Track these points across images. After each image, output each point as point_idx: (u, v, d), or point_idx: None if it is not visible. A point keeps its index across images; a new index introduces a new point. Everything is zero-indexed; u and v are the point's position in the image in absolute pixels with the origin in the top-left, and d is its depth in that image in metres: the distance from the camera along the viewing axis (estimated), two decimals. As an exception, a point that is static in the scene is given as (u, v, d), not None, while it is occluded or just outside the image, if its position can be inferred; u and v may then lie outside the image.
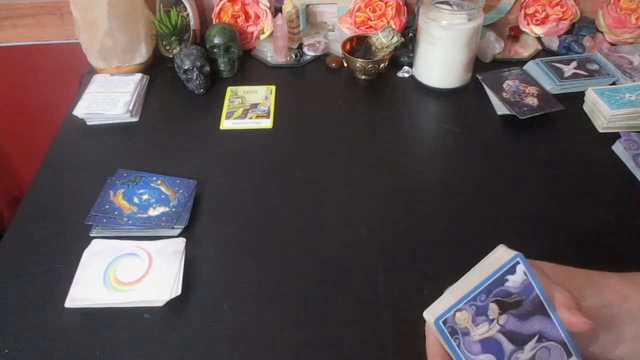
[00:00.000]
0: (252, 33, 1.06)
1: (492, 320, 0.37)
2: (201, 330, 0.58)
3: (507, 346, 0.37)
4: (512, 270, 0.37)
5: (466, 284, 0.37)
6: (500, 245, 0.38)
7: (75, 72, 1.04)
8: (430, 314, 0.36)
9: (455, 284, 0.37)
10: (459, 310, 0.36)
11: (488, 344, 0.37)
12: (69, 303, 0.60)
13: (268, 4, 1.06)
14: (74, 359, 0.56)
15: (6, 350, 0.57)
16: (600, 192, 0.74)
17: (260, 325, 0.59)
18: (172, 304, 0.60)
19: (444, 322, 0.36)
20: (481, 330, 0.37)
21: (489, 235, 0.68)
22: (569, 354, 0.38)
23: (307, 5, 1.10)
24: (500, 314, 0.37)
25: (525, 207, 0.72)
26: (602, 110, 0.83)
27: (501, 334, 0.37)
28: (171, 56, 1.03)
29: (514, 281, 0.37)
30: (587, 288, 0.40)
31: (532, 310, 0.37)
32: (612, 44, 1.05)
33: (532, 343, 0.37)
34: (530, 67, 0.97)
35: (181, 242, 0.67)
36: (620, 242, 0.67)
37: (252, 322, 0.59)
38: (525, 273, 0.37)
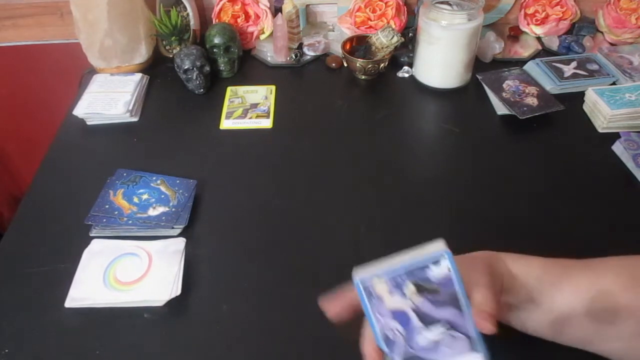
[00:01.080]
0: (252, 33, 1.06)
1: (406, 297, 0.40)
2: (201, 330, 0.58)
3: (416, 322, 0.41)
4: (436, 263, 0.40)
5: (395, 260, 0.40)
6: (440, 239, 0.40)
7: (75, 72, 1.04)
8: (356, 274, 0.40)
9: (390, 257, 0.41)
10: (379, 279, 0.40)
11: (398, 314, 0.41)
12: (69, 303, 0.60)
13: (268, 4, 1.06)
14: (74, 359, 0.56)
15: (6, 350, 0.57)
16: (600, 192, 0.74)
17: (260, 325, 0.59)
18: (171, 303, 0.60)
19: (363, 285, 0.40)
20: (394, 301, 0.40)
21: (489, 234, 0.68)
22: (474, 350, 0.40)
23: (307, 5, 1.10)
24: (415, 294, 0.40)
25: (525, 206, 0.72)
26: (602, 110, 0.83)
27: (412, 310, 0.40)
28: (171, 56, 1.03)
29: (435, 272, 0.40)
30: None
31: (447, 301, 0.40)
32: (612, 44, 1.05)
33: (440, 327, 0.40)
34: (530, 67, 0.97)
35: (181, 242, 0.67)
36: (620, 242, 0.67)
37: (252, 322, 0.59)
38: (448, 269, 0.39)
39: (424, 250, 0.40)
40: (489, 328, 0.39)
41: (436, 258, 0.40)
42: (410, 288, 0.40)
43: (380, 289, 0.41)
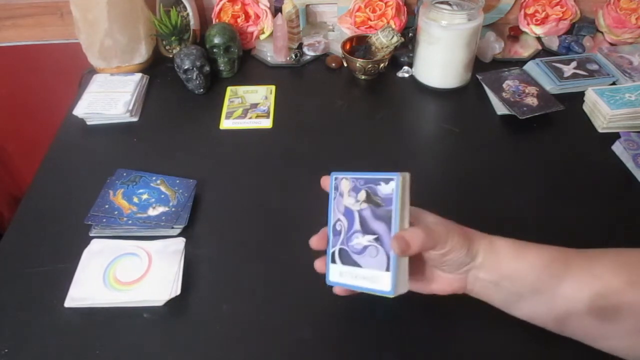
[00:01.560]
0: (252, 33, 1.06)
1: (357, 201, 0.49)
2: (201, 330, 0.58)
3: (356, 224, 0.49)
4: (387, 181, 0.47)
5: (363, 172, 0.49)
6: (407, 173, 0.48)
7: (75, 72, 1.04)
8: (334, 172, 0.52)
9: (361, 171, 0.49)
10: (346, 179, 0.50)
11: (348, 212, 0.50)
12: (68, 303, 0.60)
13: (268, 4, 1.06)
14: (73, 359, 0.56)
15: (6, 350, 0.57)
16: (600, 192, 0.74)
17: (260, 325, 0.59)
18: (171, 303, 0.60)
19: (335, 179, 0.51)
20: (349, 201, 0.49)
21: (488, 232, 0.67)
22: (387, 269, 0.46)
23: (307, 5, 1.10)
24: (364, 201, 0.48)
25: (525, 206, 0.72)
26: (602, 110, 0.83)
27: (357, 213, 0.49)
28: (171, 56, 1.03)
29: (383, 188, 0.47)
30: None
31: (383, 216, 0.47)
32: (612, 44, 1.05)
33: (370, 237, 0.48)
34: (530, 67, 0.97)
35: (181, 241, 0.67)
36: (620, 242, 0.67)
37: (251, 322, 0.59)
38: (392, 190, 0.46)
39: (388, 172, 0.47)
40: (395, 247, 0.45)
41: (389, 178, 0.47)
42: (362, 194, 0.48)
43: (343, 187, 0.50)
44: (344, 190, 0.50)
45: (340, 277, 0.49)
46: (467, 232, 0.50)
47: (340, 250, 0.49)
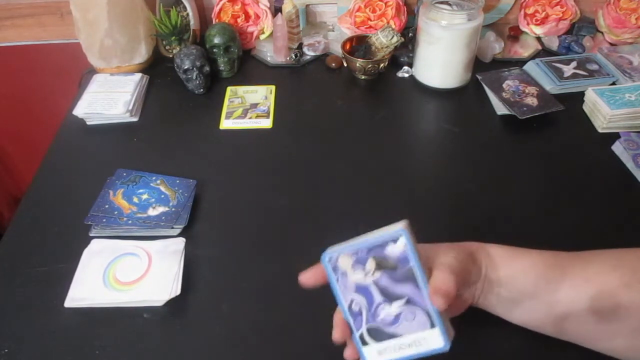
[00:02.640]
0: (252, 33, 1.06)
1: (367, 272, 0.43)
2: (201, 330, 0.58)
3: (377, 296, 0.43)
4: (394, 241, 0.42)
5: (360, 239, 0.43)
6: (404, 220, 0.43)
7: (75, 72, 1.04)
8: (325, 253, 0.44)
9: (356, 237, 0.44)
10: (343, 255, 0.44)
11: (361, 289, 0.44)
12: (68, 303, 0.60)
13: (268, 4, 1.06)
14: (73, 359, 0.56)
15: (6, 350, 0.57)
16: (599, 192, 0.74)
17: (260, 325, 0.59)
18: (171, 303, 0.60)
19: (329, 260, 0.44)
20: (357, 276, 0.43)
21: (489, 234, 0.67)
22: (432, 325, 0.42)
23: (307, 5, 1.10)
24: (375, 270, 0.43)
25: (525, 206, 0.72)
26: (602, 110, 0.83)
27: (374, 285, 0.43)
28: (171, 56, 1.03)
29: (392, 249, 0.42)
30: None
31: (404, 277, 0.42)
32: (612, 44, 1.05)
33: (400, 302, 0.43)
34: (530, 67, 0.97)
35: (181, 242, 0.67)
36: (619, 242, 0.67)
37: (251, 322, 0.59)
38: (405, 246, 0.42)
39: (385, 230, 0.43)
40: (440, 303, 0.41)
41: (394, 237, 0.42)
42: (370, 264, 0.43)
43: (344, 264, 0.44)
44: (345, 268, 0.44)
45: (380, 356, 0.44)
46: (468, 249, 0.49)
47: (369, 329, 0.44)
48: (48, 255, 0.67)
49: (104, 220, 0.69)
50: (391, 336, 0.43)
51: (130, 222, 0.69)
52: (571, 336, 0.49)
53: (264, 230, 0.70)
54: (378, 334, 0.43)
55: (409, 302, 0.43)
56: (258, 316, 0.60)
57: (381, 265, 0.43)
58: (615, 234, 0.68)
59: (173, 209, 0.71)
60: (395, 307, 0.43)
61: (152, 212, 0.70)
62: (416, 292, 0.42)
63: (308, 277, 0.47)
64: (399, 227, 0.42)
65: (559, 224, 0.69)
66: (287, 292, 0.62)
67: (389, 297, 0.43)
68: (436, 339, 0.42)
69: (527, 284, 0.47)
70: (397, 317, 0.43)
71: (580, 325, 0.47)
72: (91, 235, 0.68)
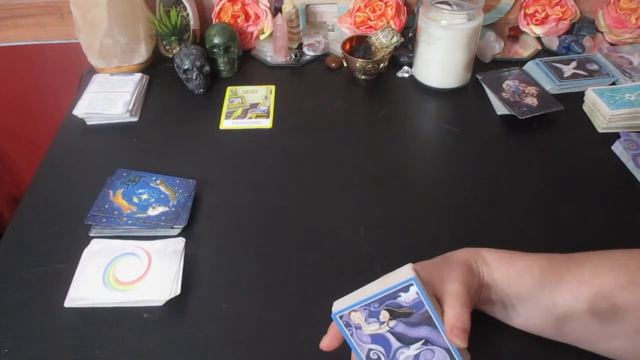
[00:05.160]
0: (252, 33, 1.06)
1: (382, 323, 0.43)
2: (201, 330, 0.58)
3: (394, 343, 0.43)
4: (406, 289, 0.42)
5: (367, 290, 0.43)
6: (409, 264, 0.43)
7: (75, 72, 1.04)
8: (334, 308, 0.44)
9: (363, 287, 0.43)
10: (354, 311, 0.43)
11: (377, 338, 0.44)
12: (68, 303, 0.60)
13: (268, 4, 1.06)
14: (73, 359, 0.56)
15: (6, 350, 0.57)
16: (599, 192, 0.74)
17: (260, 325, 0.59)
18: (171, 303, 0.60)
19: (341, 317, 0.43)
20: (372, 328, 0.43)
21: (489, 234, 0.68)
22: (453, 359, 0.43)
23: (307, 5, 1.10)
24: (390, 319, 0.43)
25: (525, 207, 0.72)
26: (602, 110, 0.83)
27: (390, 333, 0.43)
28: (171, 56, 1.03)
29: (405, 297, 0.42)
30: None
31: (420, 321, 0.43)
32: (612, 44, 1.05)
33: (418, 344, 0.43)
34: (530, 67, 0.97)
35: (180, 241, 0.67)
36: (619, 243, 0.67)
37: (251, 322, 0.59)
38: (417, 293, 0.42)
39: (393, 278, 0.42)
40: (460, 341, 0.41)
41: (405, 285, 0.42)
42: (384, 315, 0.43)
43: (357, 319, 0.43)
44: (359, 322, 0.44)
45: None
46: (465, 262, 0.49)
47: None
48: (48, 255, 0.67)
49: (104, 220, 0.69)
50: None
51: (130, 222, 0.69)
52: (569, 339, 0.49)
53: (263, 230, 0.70)
54: None
55: (427, 343, 0.43)
56: (258, 316, 0.60)
57: (395, 313, 0.43)
58: (615, 234, 0.68)
59: (173, 209, 0.71)
60: (414, 350, 0.43)
61: (152, 212, 0.70)
62: (433, 332, 0.43)
63: (329, 343, 0.46)
64: (409, 276, 0.42)
65: (558, 224, 0.69)
66: (287, 292, 0.62)
67: (407, 342, 0.43)
68: None
69: (523, 289, 0.47)
70: (416, 358, 0.43)
71: (578, 328, 0.47)
72: (91, 235, 0.68)
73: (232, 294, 0.62)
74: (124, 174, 0.76)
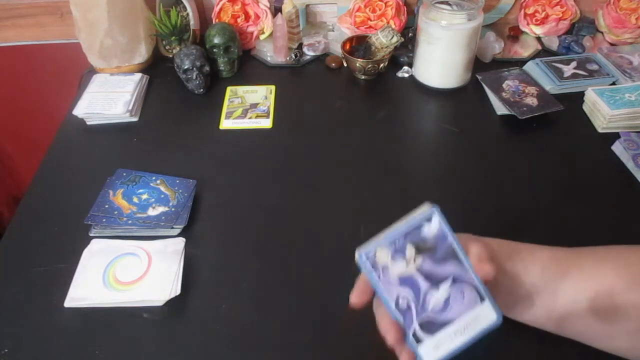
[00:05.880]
0: (252, 33, 1.06)
1: (408, 260, 0.41)
2: (200, 330, 0.58)
3: (423, 284, 0.41)
4: (428, 220, 0.42)
5: (390, 229, 0.42)
6: (426, 203, 0.42)
7: (75, 72, 1.04)
8: (358, 251, 0.42)
9: (385, 230, 0.42)
10: (380, 249, 0.41)
11: (405, 280, 0.41)
12: (68, 303, 0.60)
13: (268, 4, 1.06)
14: (73, 359, 0.56)
15: (6, 350, 0.57)
16: (599, 192, 0.74)
17: (260, 325, 0.59)
18: (171, 303, 0.60)
19: (367, 258, 0.41)
20: (399, 268, 0.41)
21: (489, 234, 0.67)
22: (482, 299, 0.42)
23: (307, 5, 1.10)
24: (416, 255, 0.42)
25: (525, 206, 0.72)
26: (602, 110, 0.83)
27: (417, 272, 0.41)
28: (171, 56, 1.03)
29: (429, 229, 0.42)
30: (509, 258, 0.46)
31: (446, 255, 0.42)
32: (612, 44, 1.05)
33: (446, 284, 0.42)
34: (530, 67, 0.97)
35: (180, 241, 0.67)
36: (619, 242, 0.67)
37: (251, 322, 0.59)
38: (439, 223, 0.42)
39: (414, 215, 0.42)
40: (489, 270, 0.40)
41: (428, 216, 0.42)
42: (410, 251, 0.41)
43: (383, 258, 0.41)
44: (385, 262, 0.42)
45: (437, 351, 0.41)
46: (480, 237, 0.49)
47: (421, 323, 0.42)
48: (48, 255, 0.67)
49: (104, 220, 0.69)
50: (444, 324, 0.41)
51: (130, 222, 0.69)
52: (572, 333, 0.49)
53: (263, 230, 0.70)
54: (431, 326, 0.41)
55: (455, 281, 0.42)
56: (258, 316, 0.60)
57: (420, 248, 0.42)
58: (615, 234, 0.68)
59: (173, 209, 0.71)
60: (443, 290, 0.42)
61: (152, 212, 0.70)
62: (459, 268, 0.42)
63: (359, 298, 0.43)
64: (429, 207, 0.42)
65: (558, 223, 0.69)
66: (287, 292, 0.62)
67: (435, 281, 0.42)
68: (488, 314, 0.41)
69: (529, 279, 0.47)
70: (446, 302, 0.42)
71: (582, 323, 0.47)
72: (91, 235, 0.69)
73: (232, 294, 0.62)
74: (124, 174, 0.76)
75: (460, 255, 0.42)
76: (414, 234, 0.42)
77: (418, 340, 0.41)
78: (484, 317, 0.41)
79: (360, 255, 0.42)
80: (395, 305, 0.41)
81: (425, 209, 0.42)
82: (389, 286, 0.41)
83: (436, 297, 0.42)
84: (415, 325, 0.41)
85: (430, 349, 0.41)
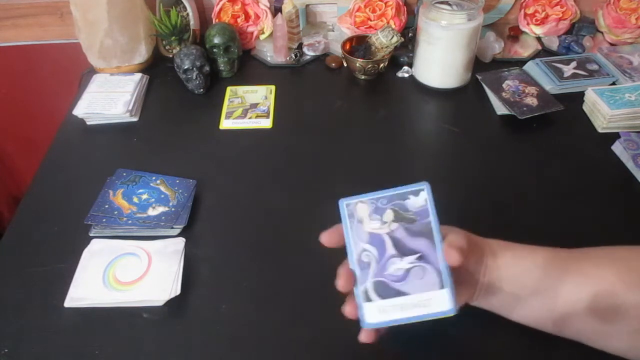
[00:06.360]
0: (252, 33, 1.06)
1: (384, 222, 0.42)
2: (200, 330, 0.58)
3: (390, 249, 0.42)
4: (416, 193, 0.43)
5: (380, 191, 0.43)
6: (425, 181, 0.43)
7: (75, 72, 1.04)
8: (342, 199, 0.44)
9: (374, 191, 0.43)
10: (362, 202, 0.43)
11: (374, 239, 0.43)
12: (68, 303, 0.60)
13: (268, 4, 1.06)
14: (73, 359, 0.56)
15: (6, 350, 0.57)
16: (599, 192, 0.74)
17: (260, 325, 0.59)
18: (171, 303, 0.60)
19: (347, 206, 0.44)
20: (373, 225, 0.43)
21: (488, 234, 0.67)
22: (442, 286, 0.42)
23: (307, 5, 1.10)
24: (393, 220, 0.42)
25: (525, 206, 0.72)
26: (602, 110, 0.83)
27: (388, 236, 0.42)
28: (171, 56, 1.03)
29: (414, 201, 0.42)
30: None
31: (421, 231, 0.42)
32: (612, 44, 1.05)
33: (412, 258, 0.42)
34: (530, 67, 0.97)
35: (180, 241, 0.67)
36: (619, 242, 0.67)
37: (251, 322, 0.59)
38: (425, 200, 0.42)
39: (407, 185, 0.43)
40: (456, 257, 0.41)
41: (417, 189, 0.42)
42: (388, 214, 0.42)
43: (362, 212, 0.43)
44: (362, 216, 0.43)
45: (380, 314, 0.42)
46: (473, 235, 0.49)
47: (375, 283, 0.42)
48: (48, 255, 0.67)
49: (104, 220, 0.69)
50: (397, 294, 0.42)
51: (130, 222, 0.69)
52: (572, 334, 0.49)
53: (263, 230, 0.70)
54: (383, 290, 0.42)
55: (421, 258, 0.42)
56: (258, 316, 0.60)
57: (399, 217, 0.42)
58: (615, 234, 0.67)
59: (173, 209, 0.71)
60: (407, 262, 0.42)
61: (152, 212, 0.70)
62: (430, 249, 0.42)
63: (329, 237, 0.45)
64: (422, 183, 0.42)
65: (558, 224, 0.69)
66: (287, 292, 0.62)
67: (402, 252, 0.42)
68: (443, 302, 0.41)
69: (530, 280, 0.47)
70: (406, 273, 0.42)
71: (581, 323, 0.47)
72: (91, 235, 0.69)
73: (232, 294, 0.62)
74: (124, 174, 0.76)
75: (435, 236, 0.42)
76: (398, 201, 0.43)
77: (367, 299, 0.42)
78: (437, 303, 0.41)
79: (342, 201, 0.44)
80: (358, 258, 0.43)
81: (423, 183, 0.43)
82: (358, 238, 0.43)
83: (397, 266, 0.42)
84: (369, 283, 0.42)
85: (374, 310, 0.42)
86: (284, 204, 0.74)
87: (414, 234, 0.42)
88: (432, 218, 0.42)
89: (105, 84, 0.94)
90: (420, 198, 0.42)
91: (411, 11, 1.07)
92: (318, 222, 0.72)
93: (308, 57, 1.04)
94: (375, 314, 0.42)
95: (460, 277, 0.46)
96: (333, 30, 1.11)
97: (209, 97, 0.96)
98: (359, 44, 1.00)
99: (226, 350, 0.57)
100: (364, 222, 0.43)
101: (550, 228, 0.69)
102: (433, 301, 0.41)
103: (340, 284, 0.44)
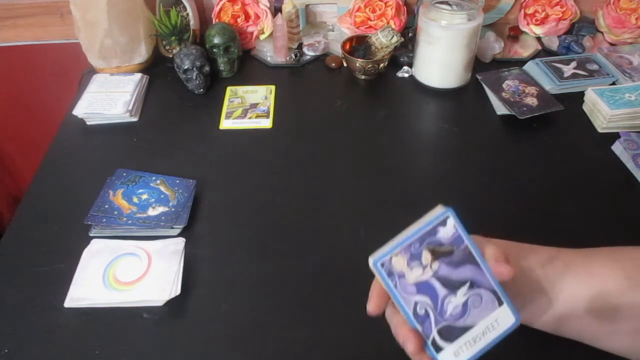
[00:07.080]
0: (252, 33, 1.06)
1: (425, 266, 0.40)
2: (200, 330, 0.58)
3: (441, 290, 0.40)
4: (443, 223, 0.40)
5: (405, 233, 0.40)
6: (439, 205, 0.41)
7: (75, 72, 1.04)
8: (372, 257, 0.40)
9: (399, 234, 0.40)
10: (395, 255, 0.40)
11: (422, 287, 0.40)
12: (68, 303, 0.60)
13: (268, 4, 1.06)
14: (73, 359, 0.56)
15: (6, 350, 0.57)
16: (599, 192, 0.74)
17: (260, 325, 0.59)
18: (171, 303, 0.60)
19: (382, 265, 0.40)
20: (415, 274, 0.40)
21: (489, 234, 0.67)
22: (500, 302, 0.41)
23: (307, 5, 1.10)
24: (432, 260, 0.40)
25: (525, 206, 0.72)
26: (602, 110, 0.83)
27: (434, 278, 0.40)
28: (171, 56, 1.03)
29: (444, 232, 0.40)
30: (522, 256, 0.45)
31: (462, 259, 0.41)
32: (612, 44, 1.05)
33: (464, 289, 0.40)
34: (530, 67, 0.97)
35: (180, 241, 0.67)
36: (619, 242, 0.67)
37: (251, 322, 0.59)
38: (455, 226, 0.41)
39: (429, 216, 0.41)
40: (507, 271, 0.39)
41: (442, 219, 0.40)
42: (426, 256, 0.40)
43: (399, 265, 0.40)
44: (401, 269, 0.40)
45: (457, 357, 0.40)
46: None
47: (440, 331, 0.40)
48: (48, 255, 0.67)
49: (104, 220, 0.69)
50: (463, 330, 0.40)
51: (130, 222, 0.69)
52: (572, 333, 0.48)
53: (263, 230, 0.70)
54: (450, 333, 0.40)
55: (472, 285, 0.41)
56: (258, 316, 0.60)
57: (437, 253, 0.40)
58: (615, 234, 0.68)
59: (173, 209, 0.71)
60: (461, 295, 0.40)
61: (152, 212, 0.70)
62: (476, 271, 0.41)
63: (376, 304, 0.42)
64: (443, 209, 0.40)
65: (558, 223, 0.69)
66: (287, 292, 0.62)
67: (452, 287, 0.40)
68: (507, 317, 0.41)
69: (530, 279, 0.47)
70: (465, 306, 0.41)
71: (582, 322, 0.47)
72: (91, 235, 0.69)
73: (232, 294, 0.62)
74: (124, 174, 0.76)
75: (477, 258, 0.41)
76: (429, 238, 0.40)
77: (437, 349, 0.40)
78: (502, 320, 0.41)
79: (375, 262, 0.40)
80: (414, 313, 0.40)
81: (439, 210, 0.41)
82: (407, 294, 0.40)
83: (454, 303, 0.40)
84: (434, 333, 0.40)
85: (450, 356, 0.40)
86: (284, 204, 0.74)
87: (456, 264, 0.41)
88: (468, 242, 0.41)
89: (105, 84, 0.94)
90: (449, 227, 0.41)
91: (411, 11, 1.07)
92: (318, 222, 0.72)
93: (308, 57, 1.04)
94: (452, 359, 0.41)
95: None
96: (333, 30, 1.11)
97: (209, 97, 0.96)
98: (359, 44, 1.00)
99: (226, 350, 0.57)
100: (406, 275, 0.40)
101: (550, 228, 0.69)
102: (498, 321, 0.41)
103: (411, 348, 0.40)
